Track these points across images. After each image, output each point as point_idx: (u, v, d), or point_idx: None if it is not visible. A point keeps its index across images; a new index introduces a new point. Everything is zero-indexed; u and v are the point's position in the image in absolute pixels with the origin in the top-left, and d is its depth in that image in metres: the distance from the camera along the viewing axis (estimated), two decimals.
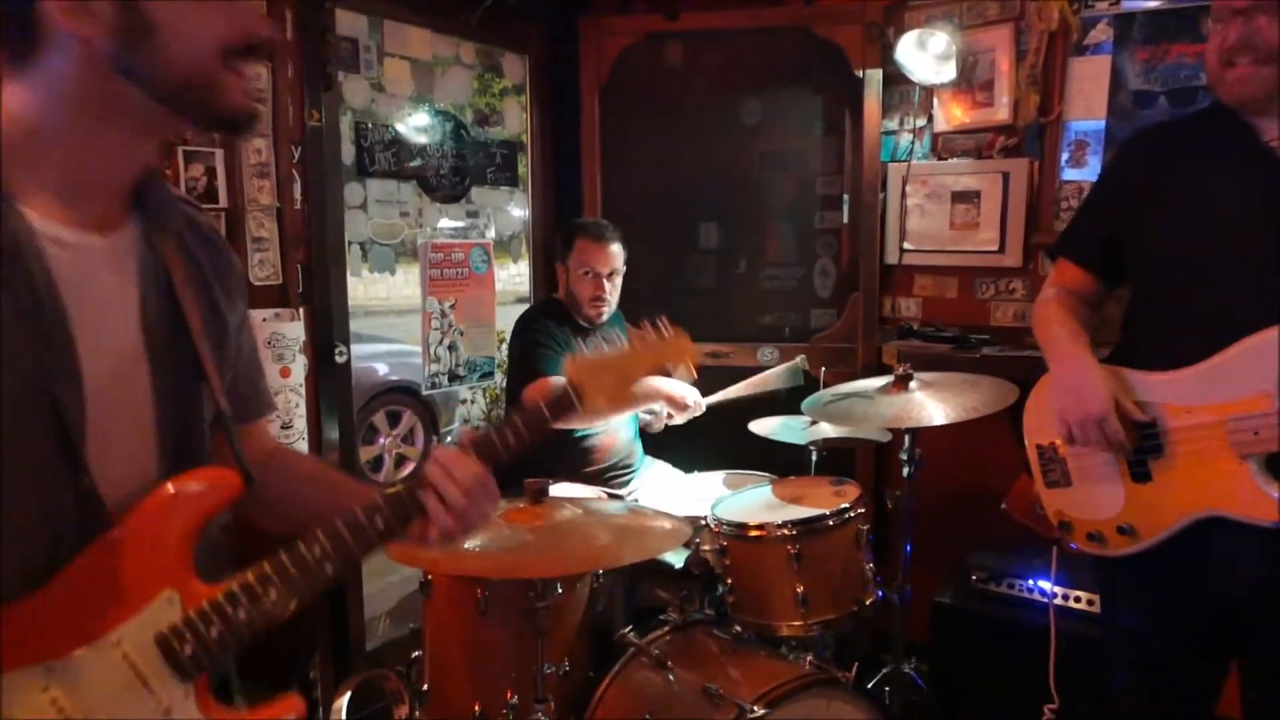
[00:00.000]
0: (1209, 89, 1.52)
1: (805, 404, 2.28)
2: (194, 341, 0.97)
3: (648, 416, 2.67)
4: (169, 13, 0.85)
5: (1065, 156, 2.79)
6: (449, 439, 5.05)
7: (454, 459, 1.03)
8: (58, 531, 0.88)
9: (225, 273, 1.07)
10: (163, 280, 0.96)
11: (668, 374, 1.20)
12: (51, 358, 0.85)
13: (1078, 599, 2.27)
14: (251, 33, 0.90)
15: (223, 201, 2.11)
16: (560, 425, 1.11)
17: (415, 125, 2.97)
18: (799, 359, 2.81)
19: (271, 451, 1.18)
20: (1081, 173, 2.76)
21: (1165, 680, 1.63)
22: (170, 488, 0.93)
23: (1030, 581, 2.37)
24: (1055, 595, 2.23)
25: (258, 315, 2.17)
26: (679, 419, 2.53)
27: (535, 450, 2.46)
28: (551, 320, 2.47)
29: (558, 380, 2.32)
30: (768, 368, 3.04)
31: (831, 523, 1.95)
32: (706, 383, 2.65)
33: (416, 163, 2.91)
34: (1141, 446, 1.51)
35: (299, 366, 2.25)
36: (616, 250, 2.50)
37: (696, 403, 2.50)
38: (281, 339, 2.21)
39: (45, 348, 0.85)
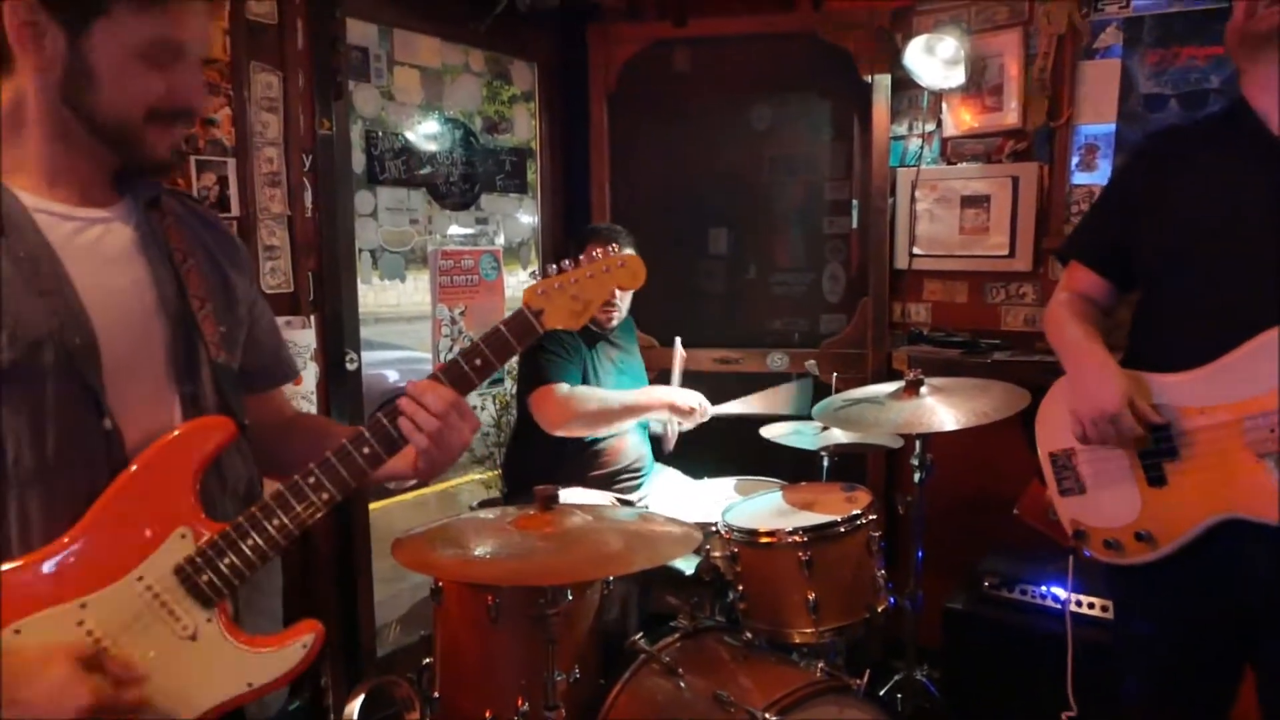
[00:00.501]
0: (1232, 58, 1.48)
1: (816, 409, 2.27)
2: (189, 301, 1.07)
3: (657, 428, 2.67)
4: (110, 68, 0.96)
5: (1075, 160, 2.78)
6: None
7: (424, 387, 1.11)
8: (89, 472, 0.99)
9: (229, 246, 1.20)
10: (163, 244, 1.07)
11: (620, 290, 1.19)
12: (58, 310, 0.96)
13: (1091, 605, 2.26)
14: (183, 105, 1.01)
15: (235, 210, 2.12)
16: (524, 345, 1.14)
17: (425, 133, 2.99)
18: (811, 364, 2.80)
19: (291, 418, 1.30)
20: (1092, 176, 2.75)
21: (1179, 687, 1.61)
22: (170, 434, 1.04)
23: (1043, 587, 2.36)
24: (1070, 601, 2.21)
25: None
26: (687, 425, 2.53)
27: (544, 457, 2.47)
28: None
29: (563, 388, 2.35)
30: (777, 373, 3.05)
31: (843, 529, 1.94)
32: (717, 387, 2.65)
33: (426, 170, 2.92)
34: (1156, 450, 1.50)
35: (310, 374, 2.26)
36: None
37: (702, 407, 2.50)
38: (293, 346, 2.21)
39: (52, 301, 0.96)
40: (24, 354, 0.93)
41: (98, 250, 1.02)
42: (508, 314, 1.15)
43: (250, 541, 1.04)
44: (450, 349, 2.93)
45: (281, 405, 1.30)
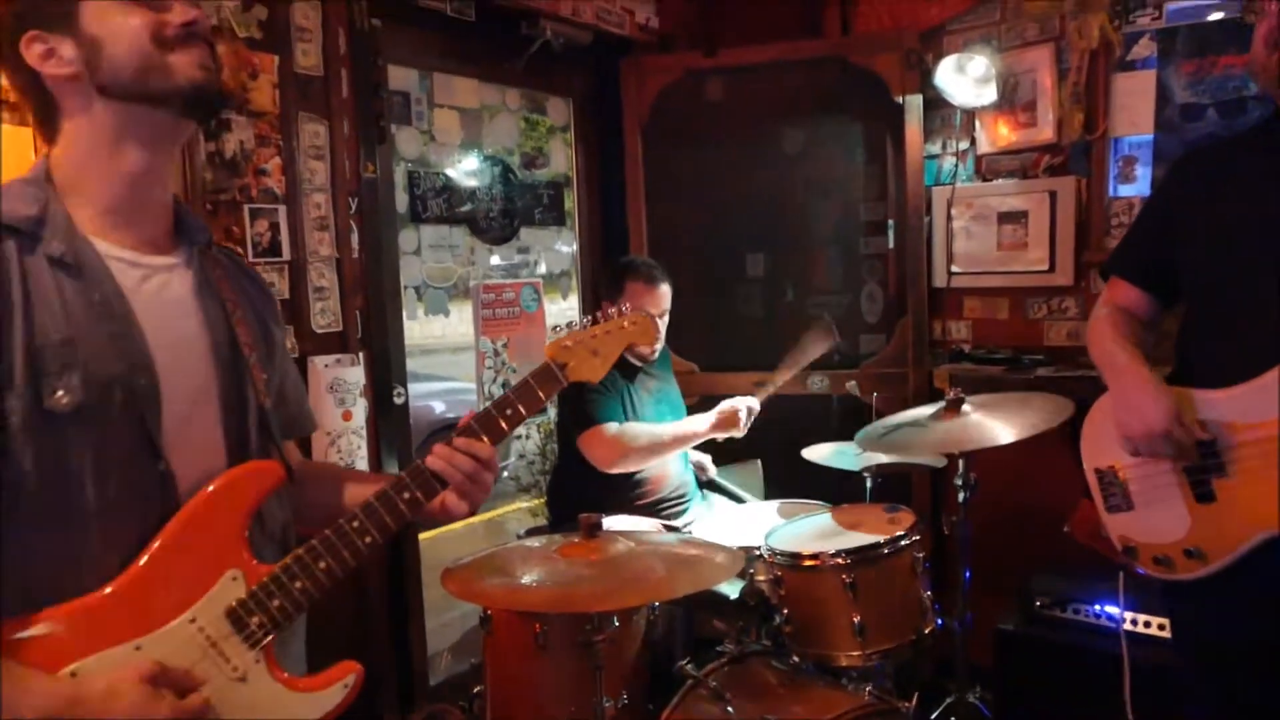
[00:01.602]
0: (1257, 88, 1.50)
1: (858, 437, 2.27)
2: (243, 349, 1.13)
3: (699, 470, 2.69)
4: (100, 23, 1.02)
5: (1114, 172, 2.76)
6: (504, 473, 5.12)
7: (463, 442, 1.19)
8: (143, 513, 1.02)
9: (268, 299, 1.26)
10: (215, 294, 1.13)
11: (633, 348, 1.34)
12: (127, 353, 1.01)
13: (1148, 624, 2.21)
14: (176, 21, 1.03)
15: (286, 255, 2.20)
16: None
17: (465, 170, 3.07)
18: (851, 385, 2.80)
19: (300, 464, 1.34)
20: (1132, 188, 2.73)
21: (1243, 704, 1.58)
22: (222, 478, 1.07)
23: (1097, 606, 2.31)
24: (1124, 620, 2.17)
25: (320, 361, 2.25)
26: (738, 432, 2.51)
27: (588, 486, 2.50)
28: None
29: (612, 427, 2.38)
30: (818, 395, 3.04)
31: (886, 551, 1.94)
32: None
33: (467, 207, 3.00)
34: (1204, 466, 1.49)
35: (360, 409, 2.33)
36: (666, 290, 2.54)
37: (748, 407, 2.50)
38: (343, 384, 2.29)
39: (121, 344, 1.01)
40: (94, 395, 0.97)
41: (162, 297, 1.07)
42: (550, 329, 1.23)
43: (299, 584, 1.08)
44: (494, 380, 2.99)
45: (292, 454, 1.33)
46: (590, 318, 1.28)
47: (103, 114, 1.03)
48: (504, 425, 1.20)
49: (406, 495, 1.15)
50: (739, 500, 2.66)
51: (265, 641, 1.07)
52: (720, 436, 2.53)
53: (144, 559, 1.02)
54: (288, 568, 1.08)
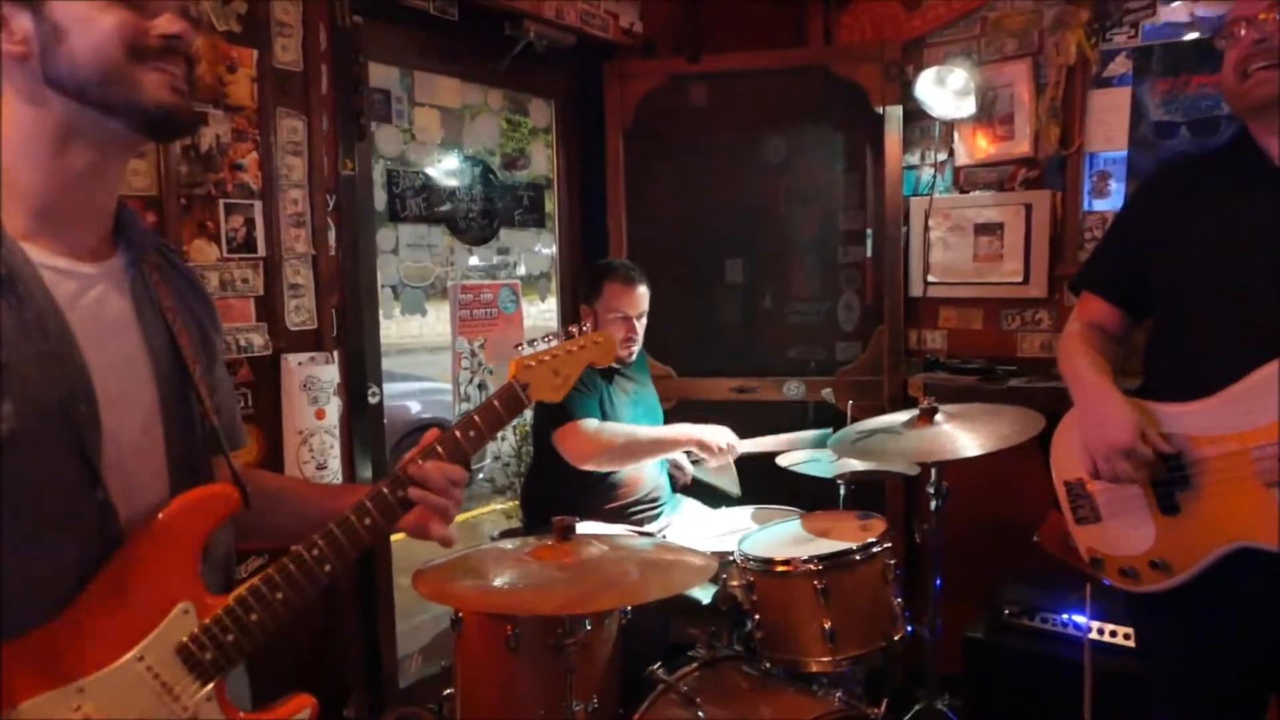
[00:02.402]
0: (1230, 109, 1.53)
1: (831, 441, 2.29)
2: (187, 363, 1.04)
3: (677, 472, 2.70)
4: (71, 15, 0.91)
5: (1088, 187, 2.80)
6: (479, 475, 5.10)
7: (431, 468, 1.15)
8: (81, 544, 0.94)
9: (206, 304, 1.16)
10: (155, 304, 1.03)
11: (598, 366, 1.35)
12: (64, 375, 0.91)
13: (1114, 633, 2.24)
14: (158, 31, 0.93)
15: (261, 251, 2.18)
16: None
17: (445, 170, 3.06)
18: (827, 393, 2.82)
19: (251, 479, 1.23)
20: (1106, 203, 2.77)
21: (1205, 716, 1.60)
22: (173, 505, 0.99)
23: (1065, 615, 2.34)
24: (1090, 630, 2.20)
25: (294, 359, 2.23)
26: (713, 463, 2.52)
27: (563, 488, 2.49)
28: None
29: (590, 423, 2.38)
30: (794, 401, 3.06)
31: (858, 557, 1.95)
32: (735, 417, 2.67)
33: (446, 206, 2.99)
34: (1169, 479, 1.51)
35: (333, 408, 2.31)
36: (644, 292, 2.54)
37: (731, 446, 2.51)
38: (317, 382, 2.26)
39: (57, 366, 0.91)
40: (30, 422, 0.87)
41: (100, 312, 0.97)
42: (514, 346, 1.23)
43: (254, 617, 1.01)
44: (470, 380, 2.97)
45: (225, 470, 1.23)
46: (553, 335, 1.28)
47: (49, 106, 0.92)
48: (465, 445, 1.18)
49: (368, 520, 1.10)
50: (724, 493, 2.64)
51: (217, 678, 1.00)
52: (686, 468, 2.54)
53: (88, 592, 0.93)
54: (243, 600, 1.01)
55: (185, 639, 0.98)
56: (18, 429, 0.87)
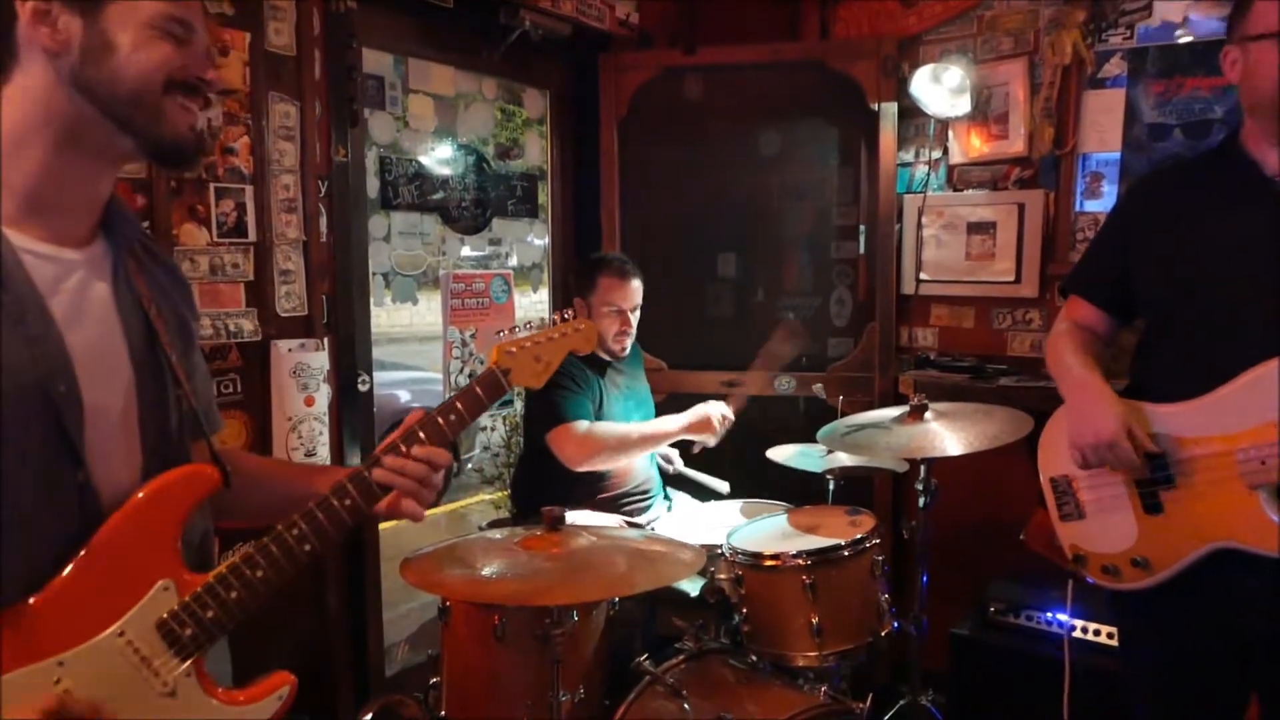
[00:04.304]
0: (1248, 110, 1.49)
1: (821, 434, 2.29)
2: (164, 348, 1.07)
3: (665, 463, 2.70)
4: (127, 37, 0.96)
5: (1081, 188, 2.81)
6: (468, 465, 5.10)
7: (420, 450, 1.17)
8: (61, 524, 0.97)
9: (184, 290, 1.19)
10: (134, 291, 1.06)
11: (601, 343, 1.35)
12: (44, 355, 0.94)
13: (1096, 632, 2.26)
14: (195, 72, 1.01)
15: (251, 236, 2.17)
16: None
17: (438, 158, 3.04)
18: (818, 388, 2.82)
19: (233, 459, 1.25)
20: (1097, 204, 2.78)
21: (1185, 715, 1.62)
22: (153, 484, 1.02)
23: (1049, 614, 2.36)
24: (1072, 628, 2.21)
25: (283, 345, 2.22)
26: (711, 440, 2.52)
27: (552, 479, 2.49)
28: (571, 356, 2.49)
29: (581, 425, 2.37)
30: (785, 397, 3.06)
31: (846, 553, 1.96)
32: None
33: (439, 195, 2.97)
34: (1153, 478, 1.52)
35: (323, 395, 2.30)
36: (638, 285, 2.54)
37: (724, 416, 2.51)
38: (306, 369, 2.25)
39: (36, 347, 0.94)
40: (9, 403, 0.91)
41: (80, 297, 1.00)
42: (495, 333, 1.24)
43: (234, 595, 1.03)
44: (461, 370, 2.97)
45: (203, 454, 1.25)
46: (536, 322, 1.30)
47: (67, 104, 0.96)
48: (446, 429, 1.20)
49: (348, 501, 1.12)
50: (710, 489, 2.65)
51: (197, 654, 1.03)
52: (695, 441, 2.53)
53: (70, 569, 0.96)
54: (223, 577, 1.04)
55: (165, 615, 1.01)
56: (1, 408, 0.89)
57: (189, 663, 1.02)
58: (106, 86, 0.96)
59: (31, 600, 0.94)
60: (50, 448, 0.95)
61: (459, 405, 1.21)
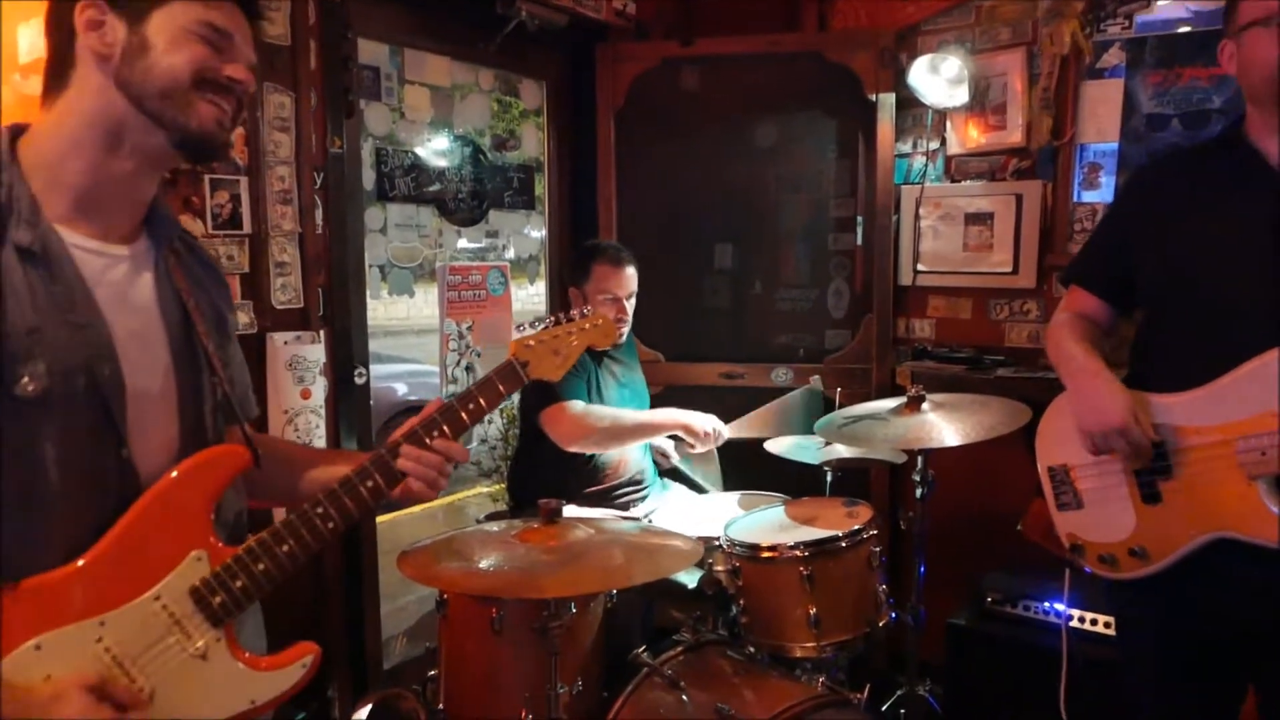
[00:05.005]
0: (1249, 97, 1.48)
1: (818, 425, 2.29)
2: (201, 338, 1.15)
3: (660, 457, 2.69)
4: (163, 35, 1.04)
5: (1079, 178, 2.80)
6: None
7: (441, 444, 1.22)
8: (102, 497, 1.05)
9: (222, 286, 1.28)
10: (174, 285, 1.15)
11: (596, 348, 1.39)
12: (89, 340, 1.03)
13: (1094, 621, 2.26)
14: (224, 71, 1.08)
15: (246, 228, 2.16)
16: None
17: (434, 150, 3.03)
18: (815, 380, 2.81)
19: (260, 442, 1.32)
20: (1095, 194, 2.77)
21: (1182, 704, 1.62)
22: (189, 461, 1.10)
23: (1046, 604, 2.36)
24: (1070, 618, 2.22)
25: (279, 338, 2.21)
26: (699, 448, 2.53)
27: (549, 471, 2.49)
28: None
29: (576, 405, 2.37)
30: (782, 389, 3.06)
31: (844, 544, 1.96)
32: (722, 403, 2.67)
33: (436, 187, 2.96)
34: (1152, 468, 1.52)
35: (319, 388, 2.29)
36: (633, 273, 2.53)
37: (717, 432, 2.52)
38: (302, 361, 2.25)
39: (82, 333, 1.02)
40: (59, 382, 0.99)
41: (124, 288, 1.09)
42: (514, 327, 1.25)
43: (262, 566, 1.11)
44: (458, 363, 2.96)
45: (260, 436, 1.35)
46: (554, 317, 1.34)
47: (112, 103, 1.04)
48: (465, 419, 1.24)
49: (370, 483, 1.18)
50: (700, 489, 2.67)
51: (227, 621, 1.10)
52: (682, 440, 2.54)
53: (111, 537, 1.04)
54: (251, 550, 1.11)
55: (197, 582, 1.08)
56: (49, 387, 0.98)
57: (220, 628, 1.09)
58: (141, 81, 1.04)
59: (77, 563, 1.02)
60: (96, 426, 1.03)
61: (479, 396, 1.25)
